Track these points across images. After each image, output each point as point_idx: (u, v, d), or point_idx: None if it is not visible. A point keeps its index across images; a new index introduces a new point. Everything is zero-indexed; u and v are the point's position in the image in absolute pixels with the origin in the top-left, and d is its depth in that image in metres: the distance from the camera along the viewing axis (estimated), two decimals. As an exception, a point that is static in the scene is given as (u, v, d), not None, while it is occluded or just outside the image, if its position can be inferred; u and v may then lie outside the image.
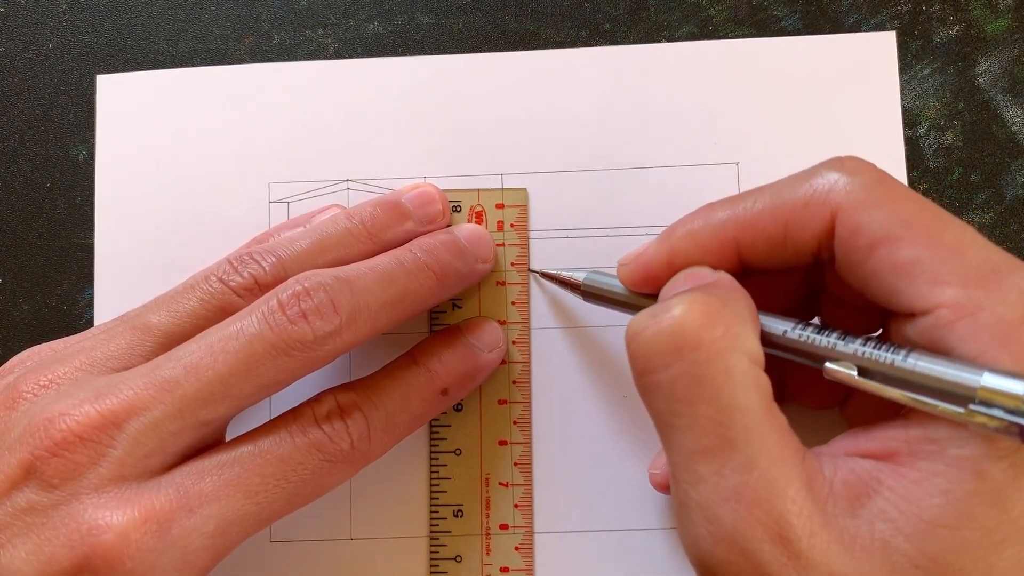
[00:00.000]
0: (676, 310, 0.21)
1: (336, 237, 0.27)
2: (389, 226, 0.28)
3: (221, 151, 0.32)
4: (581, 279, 0.28)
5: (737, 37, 0.32)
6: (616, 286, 0.27)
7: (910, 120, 0.31)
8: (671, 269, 0.25)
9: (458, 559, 0.30)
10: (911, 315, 0.21)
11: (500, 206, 0.31)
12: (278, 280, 0.25)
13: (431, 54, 0.32)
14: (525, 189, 0.31)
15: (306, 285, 0.24)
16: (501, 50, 0.32)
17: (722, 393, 0.20)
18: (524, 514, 0.30)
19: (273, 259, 0.26)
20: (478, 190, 0.31)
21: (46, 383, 0.24)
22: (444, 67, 0.32)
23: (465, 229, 0.30)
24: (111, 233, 0.32)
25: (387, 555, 0.30)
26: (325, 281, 0.24)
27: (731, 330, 0.21)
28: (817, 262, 0.24)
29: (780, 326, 0.23)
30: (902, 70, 0.31)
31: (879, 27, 0.32)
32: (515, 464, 0.30)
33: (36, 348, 0.27)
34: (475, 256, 0.29)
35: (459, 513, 0.30)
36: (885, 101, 0.31)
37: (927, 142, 0.31)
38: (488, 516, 0.30)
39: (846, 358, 0.22)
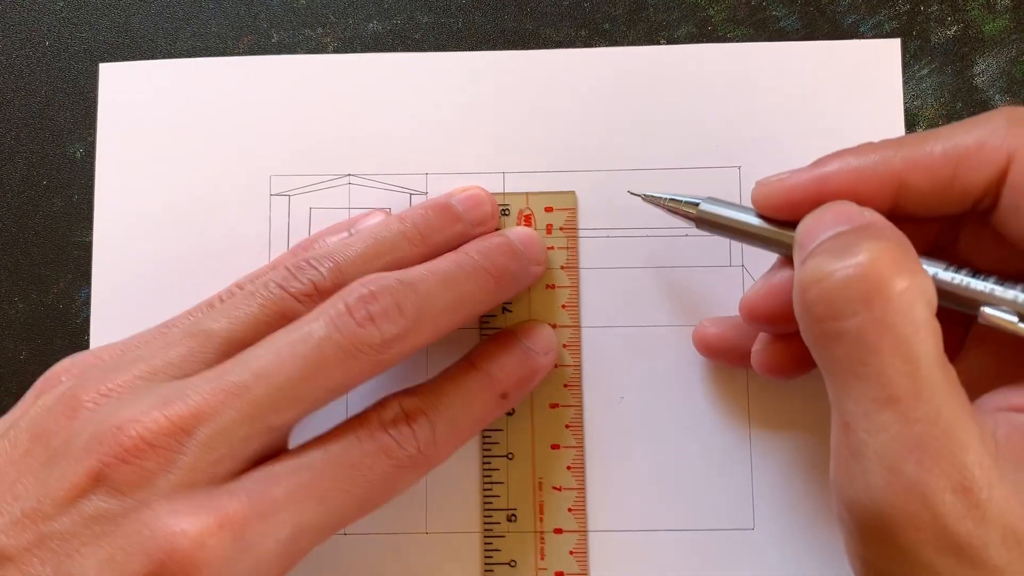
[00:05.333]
0: (863, 256, 0.21)
1: (390, 241, 0.27)
2: (440, 229, 0.28)
3: (222, 143, 0.32)
4: (697, 204, 0.27)
5: (736, 37, 0.32)
6: (740, 214, 0.26)
7: (909, 120, 0.31)
8: (818, 199, 0.24)
9: (512, 564, 0.30)
10: None
11: (549, 209, 0.31)
12: (337, 285, 0.25)
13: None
14: (574, 192, 0.31)
15: (372, 288, 0.24)
16: (500, 50, 0.32)
17: (911, 344, 0.20)
18: (578, 518, 0.30)
19: (331, 264, 0.26)
20: (526, 193, 0.31)
21: (106, 392, 0.23)
22: (447, 64, 0.32)
23: (517, 232, 0.30)
24: (110, 228, 0.32)
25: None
26: (390, 284, 0.24)
27: (916, 279, 0.21)
28: (972, 211, 0.24)
29: (931, 267, 0.23)
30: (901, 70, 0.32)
31: (877, 27, 0.32)
32: (568, 468, 0.30)
33: (78, 356, 0.27)
34: (529, 258, 0.29)
35: (512, 517, 0.30)
36: (888, 107, 0.31)
37: (925, 142, 0.31)
38: (542, 520, 0.30)
39: (1006, 304, 0.22)
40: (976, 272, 0.22)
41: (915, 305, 0.20)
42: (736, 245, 0.31)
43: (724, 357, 0.30)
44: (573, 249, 0.31)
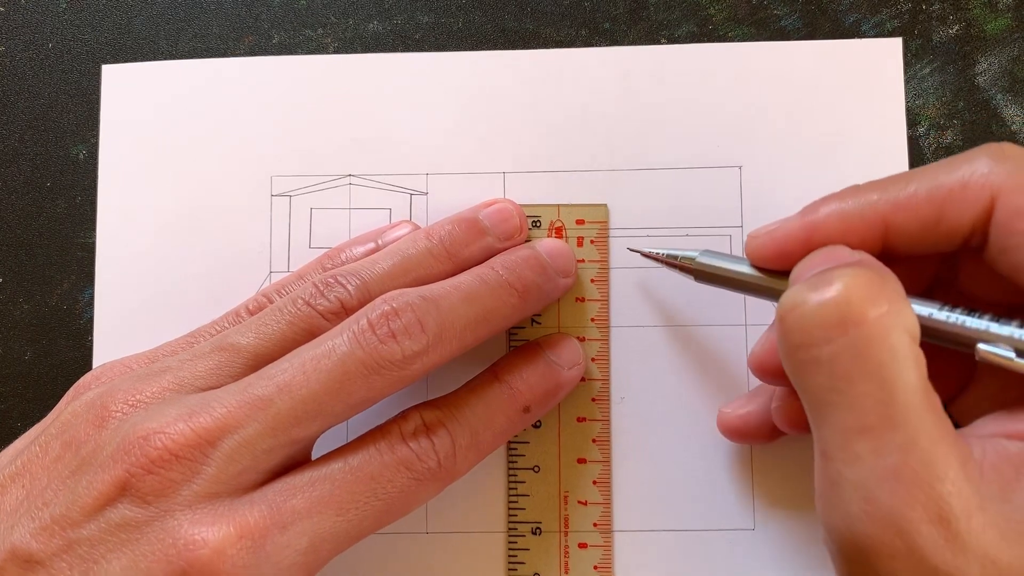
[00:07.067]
0: (838, 284, 0.21)
1: (416, 257, 0.27)
2: (468, 244, 0.28)
3: (223, 144, 0.32)
4: (694, 258, 0.27)
5: (737, 36, 0.32)
6: (736, 265, 0.26)
7: (910, 119, 0.31)
8: (808, 247, 0.24)
9: None
10: None
11: (580, 222, 0.31)
12: (363, 303, 0.26)
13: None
14: (605, 205, 0.31)
15: (394, 305, 0.24)
16: (500, 49, 0.32)
17: (886, 371, 0.20)
18: (603, 533, 0.30)
19: (357, 282, 0.26)
20: (558, 205, 0.31)
21: (134, 402, 0.24)
22: (447, 64, 0.32)
23: (546, 244, 0.29)
24: (112, 229, 0.32)
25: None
26: (412, 301, 0.25)
27: (894, 307, 0.20)
28: (962, 248, 0.24)
29: (925, 308, 0.23)
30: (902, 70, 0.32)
31: (879, 26, 0.32)
32: (594, 482, 0.30)
33: (108, 365, 0.27)
34: (557, 271, 0.29)
35: (537, 531, 0.30)
36: (890, 107, 0.31)
37: (927, 141, 0.31)
38: (567, 534, 0.30)
39: (1002, 341, 0.21)
40: (972, 310, 0.22)
41: (891, 332, 0.20)
42: (737, 243, 0.31)
43: (755, 437, 0.29)
44: (604, 262, 0.31)
